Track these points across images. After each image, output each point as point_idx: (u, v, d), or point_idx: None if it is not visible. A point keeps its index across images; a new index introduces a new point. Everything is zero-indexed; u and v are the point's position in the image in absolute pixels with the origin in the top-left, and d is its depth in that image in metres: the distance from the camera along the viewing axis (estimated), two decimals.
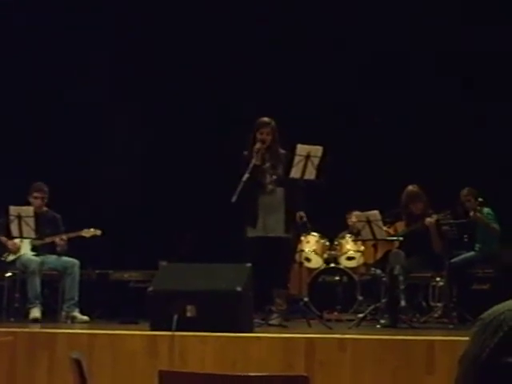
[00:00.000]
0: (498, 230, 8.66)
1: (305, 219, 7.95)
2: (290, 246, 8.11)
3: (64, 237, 8.54)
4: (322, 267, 9.67)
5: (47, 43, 10.92)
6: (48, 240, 8.57)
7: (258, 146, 7.66)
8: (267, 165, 7.74)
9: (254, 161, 7.55)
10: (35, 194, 8.63)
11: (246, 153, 7.73)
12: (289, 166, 7.59)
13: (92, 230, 8.56)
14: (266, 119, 7.80)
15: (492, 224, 8.64)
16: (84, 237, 8.53)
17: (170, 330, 6.10)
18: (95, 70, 10.99)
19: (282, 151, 7.80)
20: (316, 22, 10.88)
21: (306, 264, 9.46)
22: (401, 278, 7.75)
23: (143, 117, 11.18)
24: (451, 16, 10.54)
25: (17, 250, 8.49)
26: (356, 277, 9.50)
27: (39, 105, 10.96)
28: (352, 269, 9.62)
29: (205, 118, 10.84)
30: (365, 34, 10.77)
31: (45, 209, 8.75)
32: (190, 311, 6.30)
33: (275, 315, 7.58)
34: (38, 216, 8.42)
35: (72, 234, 8.57)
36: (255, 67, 10.83)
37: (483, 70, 10.35)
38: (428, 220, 7.95)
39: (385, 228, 8.18)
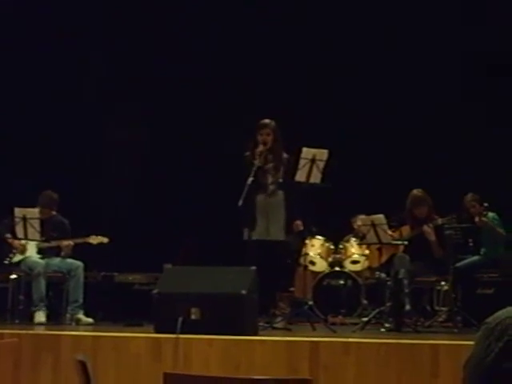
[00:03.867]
0: (504, 235, 8.65)
1: (301, 228, 7.85)
2: (290, 250, 8.05)
3: (71, 242, 8.55)
4: (327, 271, 9.65)
5: (47, 44, 10.93)
6: (54, 243, 8.59)
7: (260, 148, 7.65)
8: (269, 165, 7.73)
9: (256, 163, 7.54)
10: (39, 209, 8.63)
11: (247, 154, 7.73)
12: (292, 169, 7.59)
13: (99, 237, 8.56)
14: (265, 120, 7.81)
15: (498, 228, 8.63)
16: (91, 243, 8.54)
17: (174, 332, 6.10)
18: (95, 72, 10.99)
19: (285, 155, 7.79)
20: (325, 21, 10.86)
21: (311, 267, 9.44)
22: (405, 281, 7.74)
23: (149, 122, 11.18)
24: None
25: (23, 249, 8.51)
26: (361, 280, 9.49)
27: (45, 107, 10.96)
28: (357, 272, 9.61)
29: (207, 122, 10.83)
30: (373, 37, 10.76)
31: (53, 213, 8.76)
32: (195, 314, 6.31)
33: (279, 318, 7.57)
34: (44, 219, 8.45)
35: (79, 240, 8.57)
36: (257, 68, 10.82)
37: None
38: (425, 227, 7.94)
39: (390, 232, 8.16)
